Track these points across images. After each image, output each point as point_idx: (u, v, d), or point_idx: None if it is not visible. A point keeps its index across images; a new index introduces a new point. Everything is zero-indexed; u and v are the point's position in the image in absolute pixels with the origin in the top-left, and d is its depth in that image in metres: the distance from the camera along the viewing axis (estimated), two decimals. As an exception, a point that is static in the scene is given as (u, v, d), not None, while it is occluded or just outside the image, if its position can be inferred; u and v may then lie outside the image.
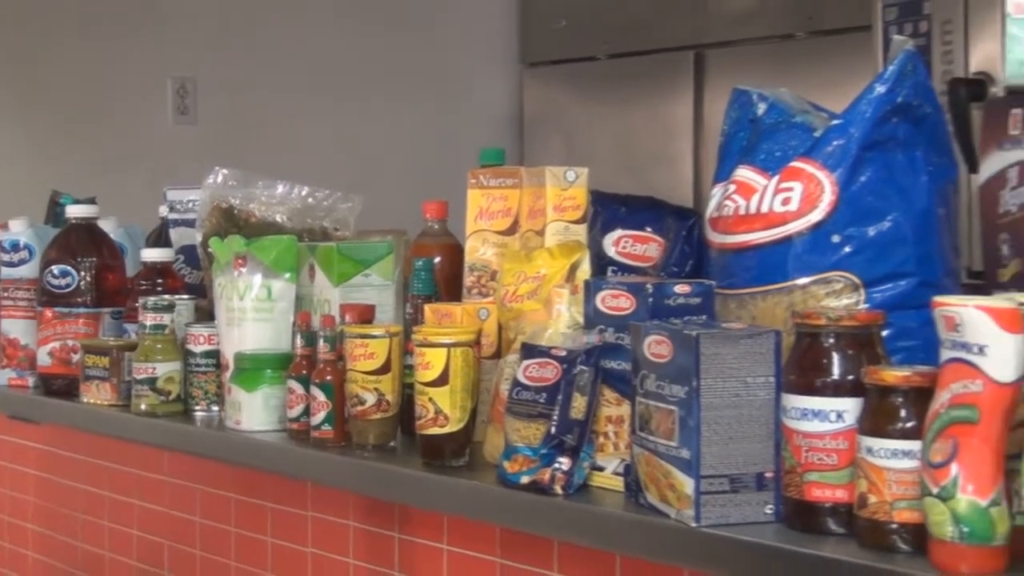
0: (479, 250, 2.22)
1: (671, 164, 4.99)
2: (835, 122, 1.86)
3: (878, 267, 1.81)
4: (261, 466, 2.40)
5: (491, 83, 5.66)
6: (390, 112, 5.41)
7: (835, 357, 1.60)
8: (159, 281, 2.72)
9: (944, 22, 3.76)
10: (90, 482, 2.95)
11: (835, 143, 1.83)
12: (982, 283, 1.80)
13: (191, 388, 2.51)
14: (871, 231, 1.81)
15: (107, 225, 2.92)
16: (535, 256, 2.04)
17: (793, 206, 1.83)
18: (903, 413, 1.51)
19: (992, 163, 1.79)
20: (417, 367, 2.01)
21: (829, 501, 1.59)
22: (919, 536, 1.48)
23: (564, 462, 1.81)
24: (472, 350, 2.00)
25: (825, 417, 1.59)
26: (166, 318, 2.51)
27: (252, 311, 2.38)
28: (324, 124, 5.27)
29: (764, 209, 1.86)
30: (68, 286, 2.78)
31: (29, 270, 2.88)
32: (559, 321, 1.89)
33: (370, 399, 2.12)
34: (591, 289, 1.87)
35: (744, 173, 1.90)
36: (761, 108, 1.96)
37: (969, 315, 1.44)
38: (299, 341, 2.26)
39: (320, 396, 2.18)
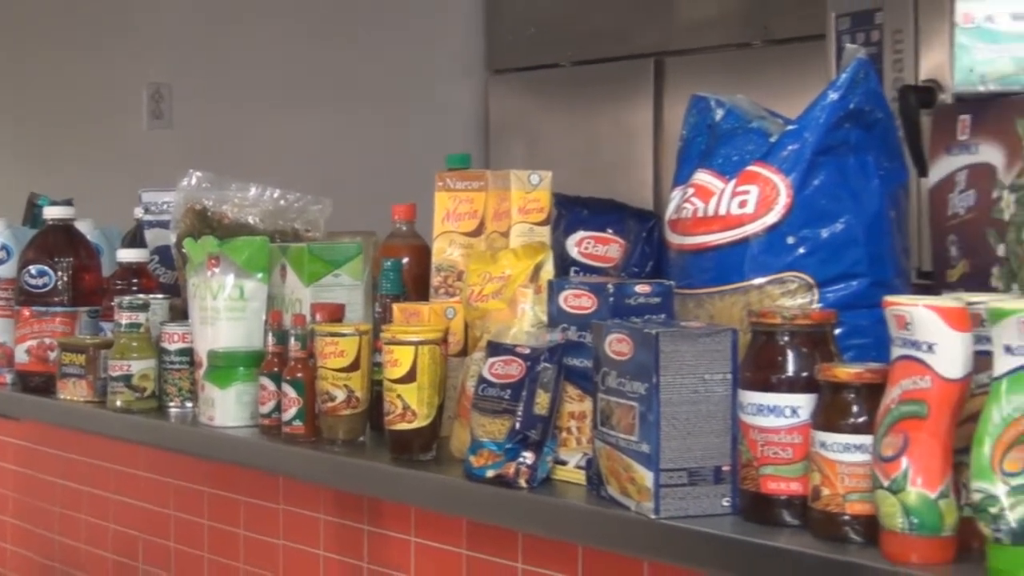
0: (446, 251, 2.22)
1: (632, 168, 4.99)
2: (790, 127, 1.86)
3: (831, 268, 1.82)
4: (234, 461, 2.39)
5: (458, 89, 5.65)
6: (360, 117, 5.40)
7: (790, 355, 1.61)
8: (134, 281, 2.70)
9: (895, 31, 3.78)
10: (67, 476, 2.94)
11: (790, 148, 1.84)
12: (931, 283, 1.81)
13: (165, 385, 2.50)
14: (824, 233, 1.82)
15: (84, 226, 2.90)
16: (500, 257, 2.04)
17: (749, 209, 1.83)
18: (855, 409, 1.52)
19: (941, 167, 1.80)
20: (386, 364, 2.00)
21: (784, 494, 1.59)
22: (870, 527, 1.48)
23: (528, 456, 1.80)
24: (439, 348, 1.99)
25: (780, 413, 1.59)
26: (141, 317, 2.50)
27: (225, 310, 2.37)
28: (296, 129, 5.25)
29: (721, 212, 1.86)
30: (45, 286, 2.76)
31: (7, 270, 2.86)
32: (523, 320, 1.89)
33: (340, 395, 2.12)
34: (554, 289, 1.87)
35: (702, 177, 1.91)
36: (719, 114, 1.97)
37: (919, 314, 1.45)
38: (271, 339, 2.25)
39: (291, 392, 2.18)
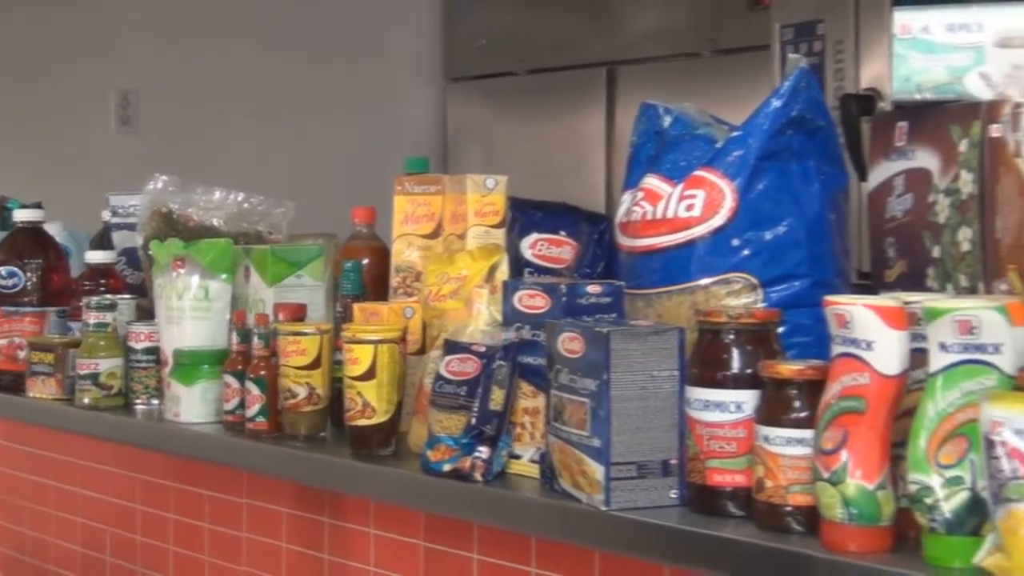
0: (404, 253, 2.21)
1: (585, 173, 5.00)
2: (735, 134, 1.87)
3: (774, 268, 1.82)
4: (198, 456, 2.38)
5: (417, 97, 5.65)
6: (322, 123, 5.38)
7: (735, 352, 1.61)
8: (102, 282, 2.69)
9: (836, 42, 3.80)
10: (36, 472, 2.91)
11: (735, 153, 1.84)
12: (870, 283, 1.82)
13: (132, 383, 2.48)
14: (768, 235, 1.82)
15: (53, 229, 2.89)
16: (457, 258, 2.04)
17: (696, 212, 1.84)
18: (797, 404, 1.52)
19: (880, 172, 1.81)
20: (346, 362, 2.00)
21: (729, 486, 1.60)
22: (812, 517, 1.49)
23: (483, 451, 1.80)
24: (398, 346, 1.99)
25: (725, 408, 1.60)
26: (108, 316, 2.49)
27: (190, 310, 2.36)
28: (260, 134, 5.23)
29: (669, 215, 1.86)
30: (15, 286, 2.74)
31: (-22, 272, 2.84)
32: (479, 319, 1.89)
33: (302, 392, 2.11)
34: (509, 289, 1.87)
35: (651, 181, 1.91)
36: (667, 121, 1.97)
37: (858, 313, 1.45)
38: (235, 338, 2.24)
39: (254, 390, 2.17)
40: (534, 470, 1.80)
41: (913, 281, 1.72)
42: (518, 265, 2.08)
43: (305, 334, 2.11)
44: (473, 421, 1.80)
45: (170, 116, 5.10)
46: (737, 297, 1.82)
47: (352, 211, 2.40)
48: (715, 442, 1.60)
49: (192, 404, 2.31)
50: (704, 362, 1.63)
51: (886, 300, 1.47)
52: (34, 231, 2.79)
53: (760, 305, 1.80)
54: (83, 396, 2.50)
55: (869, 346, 1.44)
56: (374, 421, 1.98)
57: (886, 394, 1.44)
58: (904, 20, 1.74)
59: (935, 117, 1.71)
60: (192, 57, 5.16)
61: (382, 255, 2.31)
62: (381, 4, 5.57)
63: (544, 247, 2.13)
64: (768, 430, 1.53)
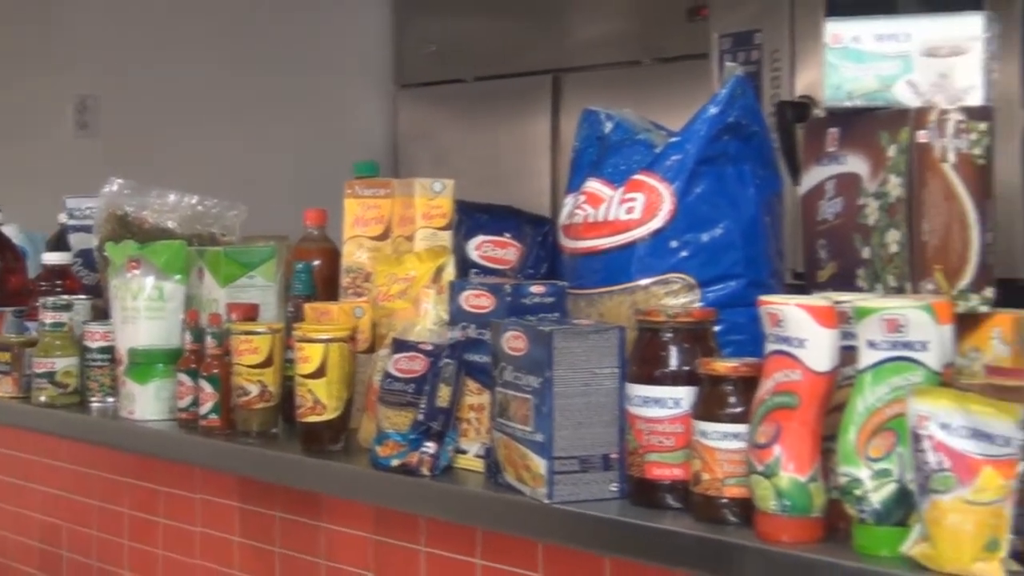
0: (354, 254, 2.21)
1: (531, 177, 5.00)
2: (673, 139, 1.87)
3: (711, 269, 1.83)
4: (153, 452, 2.36)
5: (367, 103, 5.64)
6: (275, 129, 5.36)
7: (673, 350, 1.62)
8: (58, 282, 2.67)
9: (773, 51, 3.82)
10: (-7, 469, 2.89)
11: (673, 158, 1.85)
12: (803, 283, 1.83)
13: (88, 381, 2.47)
14: (705, 237, 1.83)
15: (10, 231, 2.87)
16: (405, 260, 2.04)
17: (636, 215, 1.85)
18: (732, 400, 1.53)
19: (812, 176, 1.82)
20: (297, 361, 1.99)
21: (667, 479, 1.60)
22: (746, 509, 1.50)
23: (431, 446, 1.80)
24: (348, 345, 1.99)
25: (664, 404, 1.60)
26: (65, 316, 2.47)
27: (145, 310, 2.35)
28: (214, 139, 5.20)
29: (610, 217, 1.87)
30: (-28, 287, 2.72)
31: (-64, 273, 2.82)
32: (426, 318, 1.89)
33: (254, 390, 2.10)
34: (455, 289, 1.87)
35: (593, 185, 1.91)
36: (608, 126, 1.97)
37: (790, 312, 1.46)
38: (188, 337, 2.23)
39: (208, 388, 2.16)
40: (480, 465, 1.80)
41: (844, 281, 1.73)
42: (464, 266, 2.08)
43: (257, 333, 2.11)
44: (420, 417, 1.80)
45: (127, 121, 5.07)
46: (675, 297, 1.82)
47: (304, 213, 2.39)
48: (654, 437, 1.60)
49: (147, 402, 2.30)
50: (643, 360, 1.63)
51: (817, 300, 1.48)
52: (-9, 233, 2.77)
53: (697, 305, 1.81)
54: (39, 394, 2.48)
55: (801, 344, 1.45)
56: (324, 418, 1.98)
57: (817, 390, 1.45)
58: (836, 30, 1.75)
59: (865, 123, 1.72)
60: (149, 64, 5.12)
61: (333, 256, 2.30)
62: (333, 11, 5.55)
63: (489, 249, 2.13)
64: (705, 425, 1.54)
